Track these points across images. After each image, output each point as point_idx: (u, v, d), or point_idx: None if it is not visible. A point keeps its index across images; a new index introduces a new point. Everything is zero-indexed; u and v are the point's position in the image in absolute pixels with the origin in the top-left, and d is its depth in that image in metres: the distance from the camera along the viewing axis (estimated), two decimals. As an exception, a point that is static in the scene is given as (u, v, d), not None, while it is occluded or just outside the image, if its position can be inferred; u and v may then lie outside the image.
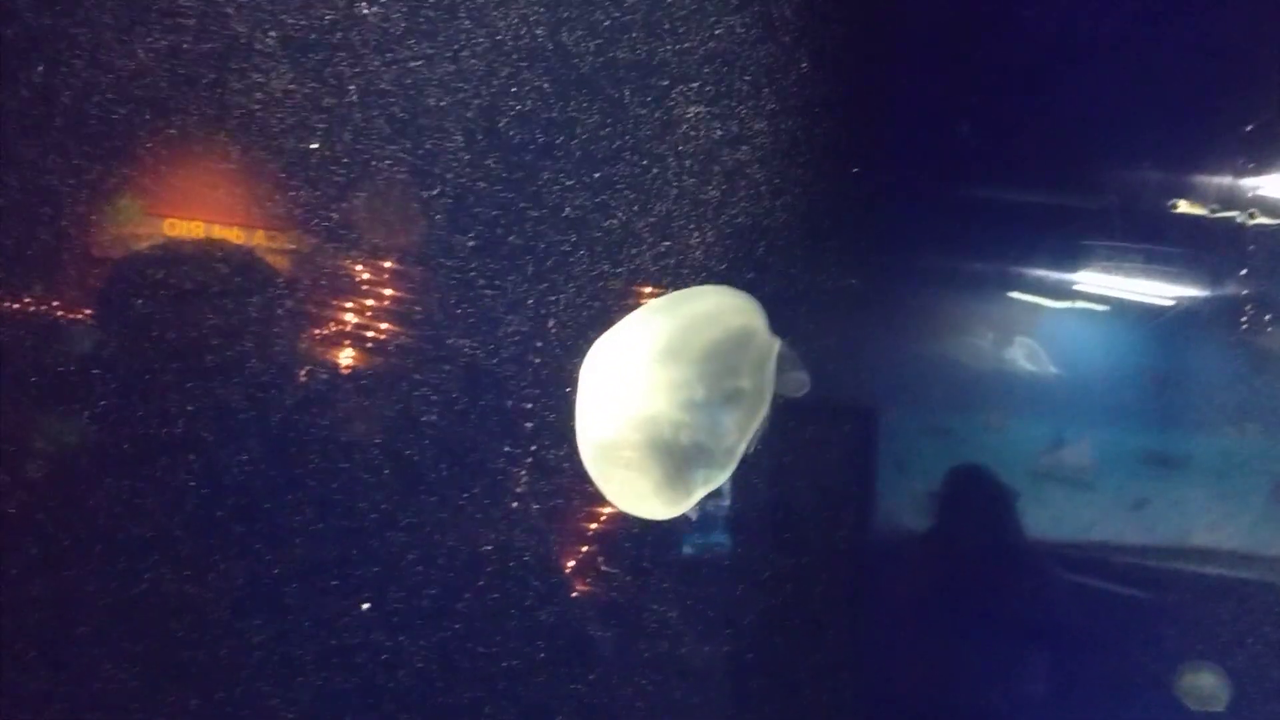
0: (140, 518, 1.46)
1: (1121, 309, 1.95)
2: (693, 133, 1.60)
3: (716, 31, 1.59)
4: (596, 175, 1.56)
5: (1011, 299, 1.97)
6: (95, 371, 1.45)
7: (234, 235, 1.49)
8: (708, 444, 1.40)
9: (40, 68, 1.39)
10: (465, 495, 1.53)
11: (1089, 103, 1.89)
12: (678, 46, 1.59)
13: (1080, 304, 1.97)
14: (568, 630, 1.58)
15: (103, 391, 1.45)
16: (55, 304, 1.44)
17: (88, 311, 1.46)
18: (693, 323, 1.42)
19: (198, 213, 1.50)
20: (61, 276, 1.44)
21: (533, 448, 1.54)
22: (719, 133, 1.61)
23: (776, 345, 1.44)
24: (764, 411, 1.44)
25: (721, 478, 1.44)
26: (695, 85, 1.60)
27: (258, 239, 1.48)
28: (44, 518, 1.44)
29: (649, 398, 1.37)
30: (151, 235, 1.48)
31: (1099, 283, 1.96)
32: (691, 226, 1.59)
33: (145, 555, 1.46)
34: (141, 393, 1.46)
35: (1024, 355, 1.93)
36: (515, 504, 1.54)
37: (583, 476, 1.38)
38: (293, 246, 1.49)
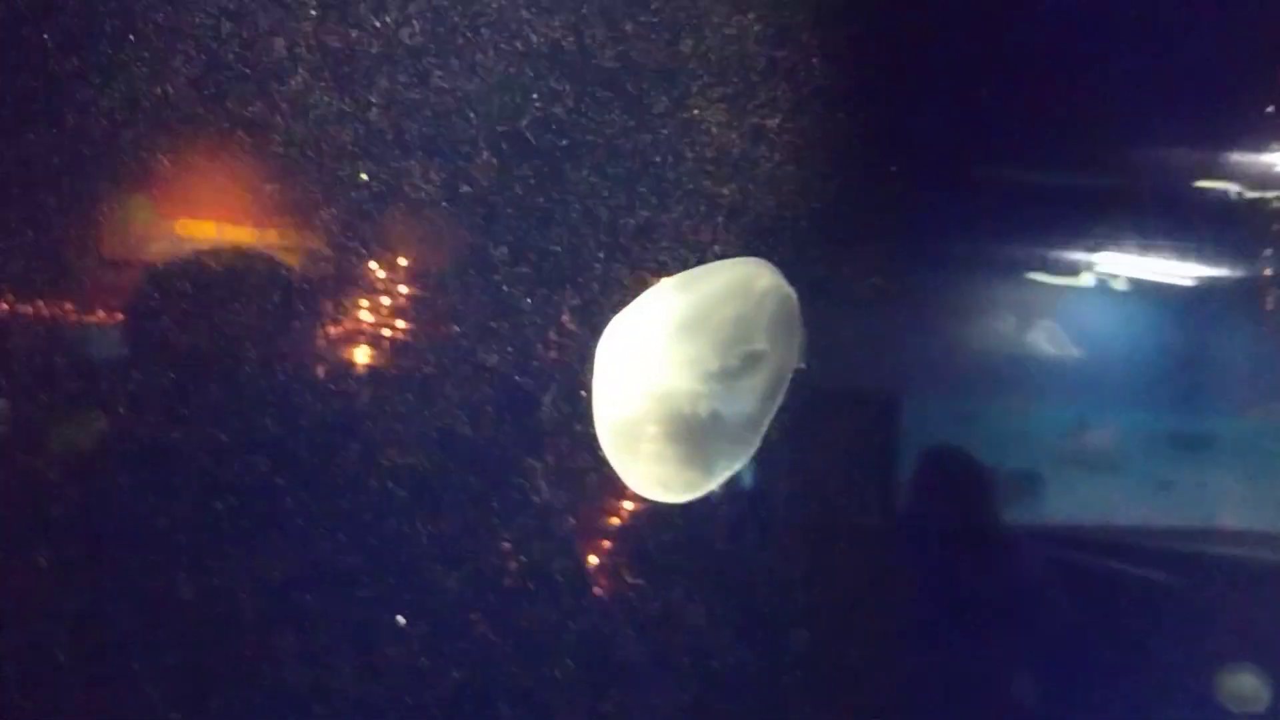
0: (165, 526, 1.47)
1: (1144, 290, 1.93)
2: (711, 131, 1.60)
3: (728, 31, 1.59)
4: (617, 177, 1.56)
5: (1032, 282, 1.96)
6: (116, 377, 1.46)
7: (262, 245, 1.50)
8: (728, 414, 1.39)
9: (75, 78, 1.40)
10: (494, 506, 1.53)
11: (1110, 83, 1.87)
12: (694, 46, 1.59)
13: (1102, 286, 1.95)
14: (600, 642, 1.59)
15: (125, 397, 1.47)
16: (78, 309, 1.46)
17: (109, 316, 1.47)
18: (707, 293, 1.42)
19: (225, 225, 1.51)
20: (83, 282, 1.46)
21: (560, 457, 1.54)
22: (735, 131, 1.61)
23: (794, 304, 1.44)
24: (785, 376, 1.43)
25: (744, 454, 1.43)
26: (711, 84, 1.60)
27: (285, 249, 1.49)
28: (68, 526, 1.46)
29: (665, 373, 1.36)
30: (175, 242, 1.50)
31: (1121, 264, 1.95)
32: (709, 225, 1.59)
33: (173, 564, 1.47)
34: (163, 400, 1.47)
35: (1046, 339, 1.91)
36: (544, 515, 1.54)
37: (610, 484, 1.38)
38: (320, 257, 1.50)
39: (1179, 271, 1.93)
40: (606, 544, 1.61)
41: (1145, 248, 1.94)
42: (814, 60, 1.61)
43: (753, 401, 1.42)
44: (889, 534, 1.88)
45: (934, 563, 1.89)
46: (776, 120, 1.61)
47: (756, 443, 1.44)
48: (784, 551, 1.74)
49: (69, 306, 1.46)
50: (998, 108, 1.87)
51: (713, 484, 1.42)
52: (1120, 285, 1.95)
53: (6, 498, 1.46)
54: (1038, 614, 1.88)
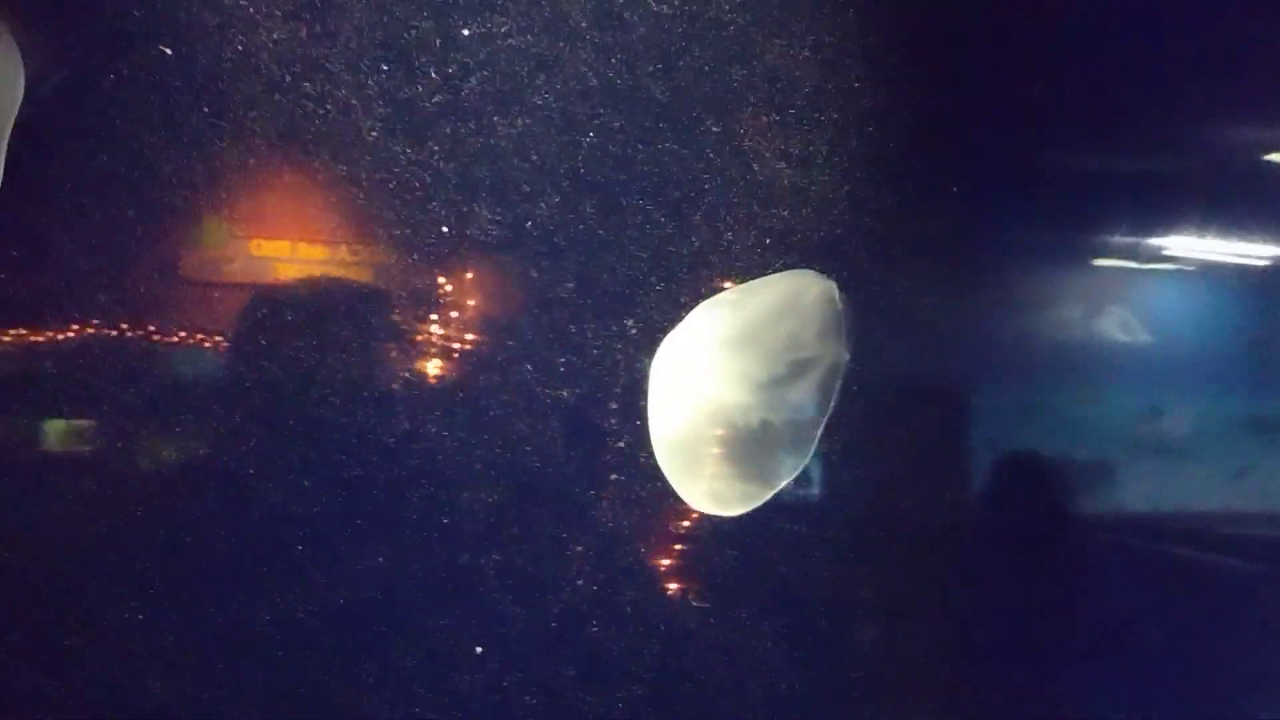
0: (242, 555, 1.54)
1: (1215, 271, 1.91)
2: (763, 157, 1.62)
3: (776, 60, 1.62)
4: (673, 207, 1.60)
5: (1099, 268, 1.93)
6: (197, 396, 1.53)
7: (336, 289, 1.57)
8: (779, 423, 1.41)
9: (157, 149, 1.49)
10: (562, 536, 1.59)
11: (1174, 62, 1.84)
12: (744, 76, 1.62)
13: (1172, 268, 1.92)
14: (669, 667, 1.63)
15: (205, 417, 1.54)
16: (155, 329, 1.52)
17: (189, 336, 1.54)
18: (755, 306, 1.44)
19: (300, 269, 1.58)
20: (161, 302, 1.53)
21: (626, 486, 1.59)
22: (784, 159, 1.64)
23: (842, 307, 1.44)
24: (836, 379, 1.44)
25: (800, 462, 1.45)
26: (760, 112, 1.63)
27: (358, 293, 1.56)
28: (149, 549, 1.51)
29: (716, 387, 1.39)
30: (252, 280, 1.57)
31: (1190, 245, 1.92)
32: (763, 249, 1.62)
33: (252, 593, 1.53)
34: (239, 430, 1.54)
35: (1115, 325, 1.89)
36: (610, 544, 1.59)
37: (676, 510, 1.41)
38: (392, 302, 1.57)
39: (1250, 251, 1.90)
40: (672, 570, 1.63)
41: (1214, 228, 1.90)
42: (858, 84, 1.63)
43: (805, 409, 1.43)
44: (961, 534, 1.85)
45: (1008, 560, 1.88)
46: (825, 145, 1.63)
47: (811, 449, 1.45)
48: (853, 561, 1.74)
49: (152, 330, 1.52)
50: (1058, 94, 1.84)
51: (769, 494, 1.43)
52: (1190, 268, 1.92)
53: (91, 517, 1.51)
54: (1116, 606, 1.87)
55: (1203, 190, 1.90)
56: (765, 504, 1.48)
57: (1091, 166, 1.91)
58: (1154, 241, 1.92)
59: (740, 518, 1.48)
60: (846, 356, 1.47)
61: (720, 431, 1.41)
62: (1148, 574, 1.89)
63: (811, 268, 1.54)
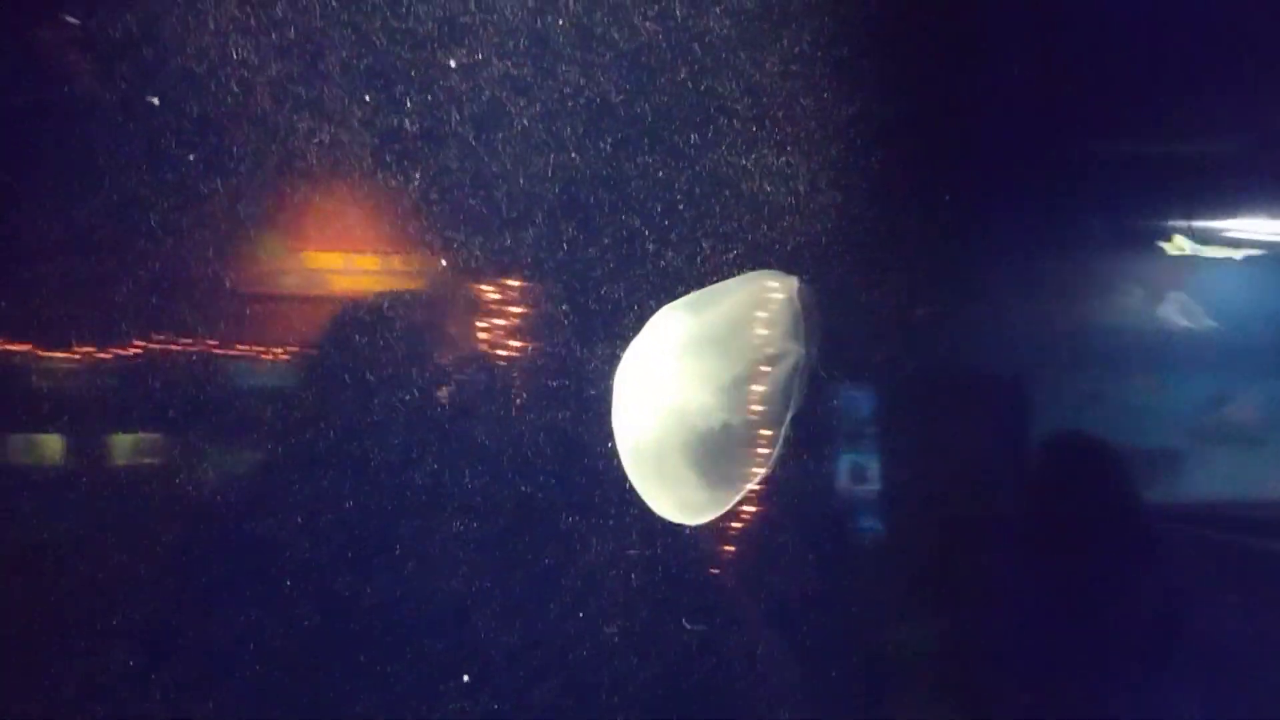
0: (226, 581, 1.59)
1: (1277, 253, 1.85)
2: (745, 170, 1.64)
3: (755, 77, 1.63)
4: (655, 224, 1.62)
5: (1160, 252, 1.89)
6: (181, 429, 1.58)
7: (332, 325, 1.63)
8: (743, 426, 1.41)
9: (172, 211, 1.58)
10: (554, 563, 1.61)
11: (1223, 36, 1.79)
12: (723, 92, 1.64)
13: (1233, 252, 1.86)
14: (663, 695, 1.63)
15: (192, 451, 1.59)
16: (214, 341, 1.59)
17: (247, 347, 1.60)
18: (715, 308, 1.45)
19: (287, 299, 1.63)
20: (218, 314, 1.60)
21: (618, 512, 1.60)
22: (764, 174, 1.64)
23: (802, 306, 1.44)
24: (798, 378, 1.44)
25: (764, 463, 1.44)
26: (740, 128, 1.64)
27: (350, 329, 1.61)
28: (139, 577, 1.57)
29: (677, 390, 1.40)
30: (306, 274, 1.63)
31: (1252, 228, 1.86)
32: (747, 262, 1.63)
33: (254, 626, 1.59)
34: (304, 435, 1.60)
35: (1177, 311, 1.85)
36: (599, 571, 1.60)
37: (669, 537, 1.41)
38: (385, 338, 1.61)
39: (1315, 230, 1.84)
40: (663, 594, 1.63)
41: (1275, 208, 1.84)
42: (833, 94, 1.63)
43: (767, 408, 1.43)
44: (1021, 526, 1.82)
45: (1070, 553, 1.82)
46: (805, 156, 1.64)
47: (775, 450, 1.45)
48: (910, 553, 1.73)
49: (213, 344, 1.59)
50: (1108, 78, 1.81)
51: (736, 498, 1.44)
52: (1252, 250, 1.86)
53: (159, 528, 1.58)
54: (1183, 599, 1.81)
55: (1264, 173, 1.85)
56: (771, 519, 1.49)
57: (1147, 152, 1.86)
58: (1215, 225, 1.87)
59: (736, 538, 1.49)
60: (808, 353, 1.46)
61: (684, 436, 1.41)
62: (1214, 564, 1.83)
63: (803, 276, 1.54)
